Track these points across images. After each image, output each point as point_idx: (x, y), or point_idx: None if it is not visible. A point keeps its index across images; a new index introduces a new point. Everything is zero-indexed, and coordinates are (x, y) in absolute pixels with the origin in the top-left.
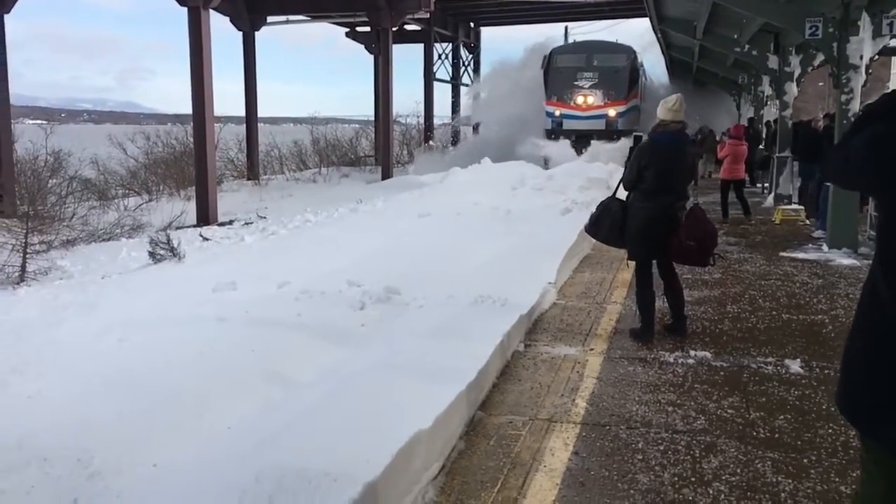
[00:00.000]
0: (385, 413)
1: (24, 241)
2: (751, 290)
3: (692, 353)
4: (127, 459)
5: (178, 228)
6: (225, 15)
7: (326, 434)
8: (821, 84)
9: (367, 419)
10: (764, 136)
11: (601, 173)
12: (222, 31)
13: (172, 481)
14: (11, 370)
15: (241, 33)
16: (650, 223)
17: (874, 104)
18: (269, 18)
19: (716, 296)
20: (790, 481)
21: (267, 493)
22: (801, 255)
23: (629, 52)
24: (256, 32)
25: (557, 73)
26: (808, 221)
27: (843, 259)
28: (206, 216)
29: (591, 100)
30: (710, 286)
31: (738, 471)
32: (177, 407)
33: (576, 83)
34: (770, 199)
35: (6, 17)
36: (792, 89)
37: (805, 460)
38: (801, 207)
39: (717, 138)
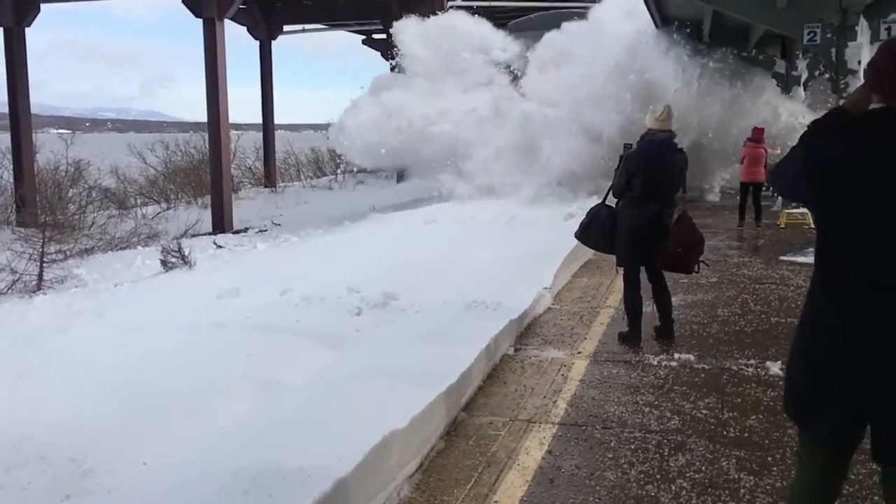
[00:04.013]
0: (365, 414)
1: (41, 250)
2: (744, 294)
3: (676, 355)
4: (119, 458)
5: (193, 236)
6: (242, 25)
7: (307, 434)
8: None
9: (347, 420)
10: None
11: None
12: (242, 39)
13: (159, 478)
14: (20, 375)
15: (258, 42)
16: (638, 230)
17: (819, 119)
18: (286, 28)
19: (709, 300)
20: (752, 478)
21: (243, 487)
22: (800, 259)
23: None
24: (273, 41)
25: None
26: (814, 226)
27: None
28: (221, 224)
29: None
30: (704, 290)
31: (703, 468)
32: (171, 409)
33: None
34: (779, 203)
35: (27, 30)
36: (799, 93)
37: (769, 458)
38: (808, 211)
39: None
